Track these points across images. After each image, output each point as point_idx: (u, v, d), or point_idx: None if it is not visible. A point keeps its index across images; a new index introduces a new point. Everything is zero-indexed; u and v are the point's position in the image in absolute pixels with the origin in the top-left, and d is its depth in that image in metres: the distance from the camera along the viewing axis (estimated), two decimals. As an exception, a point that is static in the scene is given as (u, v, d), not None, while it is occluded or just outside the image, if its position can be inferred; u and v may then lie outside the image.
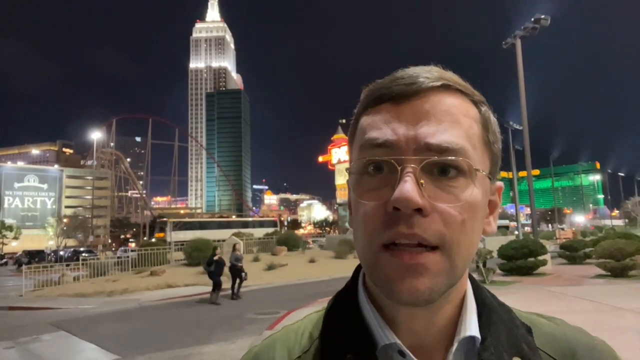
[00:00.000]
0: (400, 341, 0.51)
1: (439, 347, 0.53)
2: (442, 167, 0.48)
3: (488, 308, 0.56)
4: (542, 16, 21.26)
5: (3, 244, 61.63)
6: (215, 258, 13.51)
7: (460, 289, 0.55)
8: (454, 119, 0.50)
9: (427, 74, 0.52)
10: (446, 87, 0.52)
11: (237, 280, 13.98)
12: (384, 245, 0.48)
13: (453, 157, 0.48)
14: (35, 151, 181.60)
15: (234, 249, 14.62)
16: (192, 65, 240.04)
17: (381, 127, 0.51)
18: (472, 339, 0.52)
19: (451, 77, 0.53)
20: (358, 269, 0.61)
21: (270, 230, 41.14)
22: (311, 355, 0.56)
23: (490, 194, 0.55)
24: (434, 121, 0.49)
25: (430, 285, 0.47)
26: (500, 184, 0.57)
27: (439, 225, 0.47)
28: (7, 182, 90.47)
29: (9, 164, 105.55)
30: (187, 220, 53.00)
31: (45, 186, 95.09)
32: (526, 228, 47.17)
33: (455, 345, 0.52)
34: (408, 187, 0.45)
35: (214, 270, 13.40)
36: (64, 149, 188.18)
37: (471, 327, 0.52)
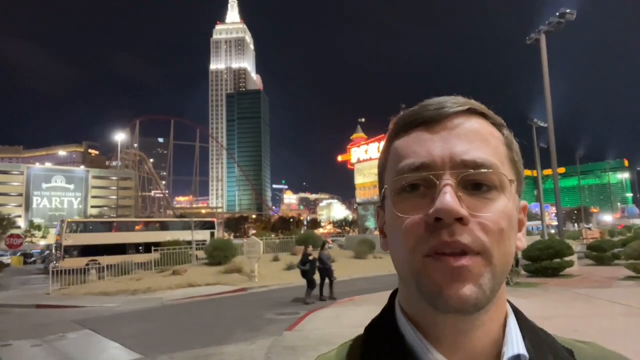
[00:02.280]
0: (445, 354, 0.53)
1: None
2: (476, 183, 0.52)
3: (529, 328, 0.58)
4: (568, 10, 20.68)
5: (32, 242, 63.60)
6: (310, 258, 13.36)
7: (502, 308, 0.57)
8: (483, 139, 0.55)
9: (454, 100, 0.57)
10: (472, 111, 0.57)
11: (327, 281, 13.56)
12: (426, 255, 0.50)
13: (488, 170, 0.52)
14: (61, 152, 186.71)
15: (323, 248, 14.43)
16: (213, 66, 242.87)
17: (416, 149, 0.55)
18: (518, 357, 0.53)
19: (475, 103, 0.58)
20: (393, 295, 0.62)
21: (205, 234, 37.76)
22: None
23: (518, 212, 0.58)
24: (466, 140, 0.54)
25: (476, 290, 0.49)
26: (524, 203, 0.60)
27: (479, 233, 0.50)
28: (36, 182, 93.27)
29: (37, 165, 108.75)
30: (89, 221, 43.72)
31: (71, 186, 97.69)
32: (551, 230, 45.96)
33: None
34: (448, 198, 0.49)
35: (308, 269, 13.22)
36: (89, 150, 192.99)
37: (518, 345, 0.54)
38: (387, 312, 0.60)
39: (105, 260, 24.88)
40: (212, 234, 40.32)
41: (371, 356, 0.56)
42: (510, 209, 0.53)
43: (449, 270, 0.49)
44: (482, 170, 0.52)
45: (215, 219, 48.07)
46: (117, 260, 22.52)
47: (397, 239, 0.54)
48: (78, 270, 19.61)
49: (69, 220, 36.71)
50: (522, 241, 0.59)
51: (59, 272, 18.96)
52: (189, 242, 29.02)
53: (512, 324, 0.57)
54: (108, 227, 38.10)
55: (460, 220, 0.49)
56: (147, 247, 33.30)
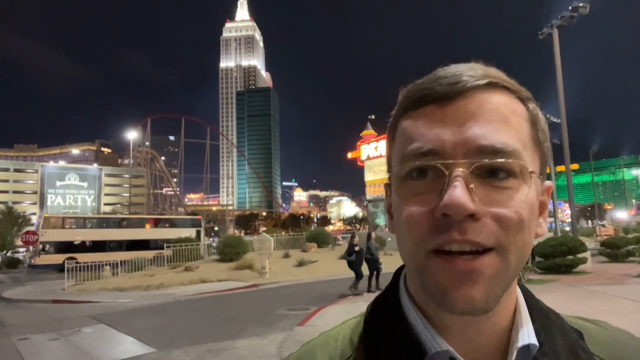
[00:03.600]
0: (450, 342, 0.49)
1: (494, 356, 0.50)
2: (492, 170, 0.46)
3: (541, 314, 0.54)
4: (581, 4, 20.37)
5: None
6: (356, 249, 13.25)
7: (512, 295, 0.53)
8: (504, 119, 0.47)
9: (471, 71, 0.49)
10: (492, 85, 0.49)
11: (375, 272, 13.38)
12: (432, 251, 0.45)
13: (506, 159, 0.46)
14: (75, 151, 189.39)
15: (369, 238, 14.09)
16: (223, 64, 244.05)
17: (424, 132, 0.48)
18: (527, 347, 0.49)
19: (496, 73, 0.50)
20: (397, 273, 0.59)
21: (191, 232, 35.71)
22: None
23: (540, 194, 0.52)
24: (483, 122, 0.47)
25: (486, 292, 0.44)
26: (549, 183, 0.54)
27: (492, 228, 0.44)
28: (50, 180, 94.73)
29: (51, 163, 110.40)
30: (67, 217, 39.96)
31: (85, 184, 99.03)
32: (565, 227, 45.48)
33: (515, 353, 0.49)
34: (458, 193, 0.43)
35: (355, 260, 13.13)
36: (102, 149, 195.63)
37: (529, 334, 0.50)
38: (391, 292, 0.57)
39: (84, 257, 24.21)
40: (198, 232, 38.81)
41: (373, 339, 0.53)
42: (532, 198, 0.47)
43: (458, 273, 0.44)
44: (500, 159, 0.45)
45: (201, 217, 45.65)
46: (97, 259, 21.43)
47: (400, 229, 0.50)
48: (92, 266, 19.92)
49: (46, 215, 35.73)
50: (543, 227, 0.53)
51: (73, 268, 19.27)
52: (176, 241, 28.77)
53: (523, 311, 0.53)
54: (88, 223, 36.35)
55: (472, 216, 0.44)
56: (131, 245, 33.11)
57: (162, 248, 26.94)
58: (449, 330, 0.50)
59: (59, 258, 27.82)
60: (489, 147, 0.45)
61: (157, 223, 40.12)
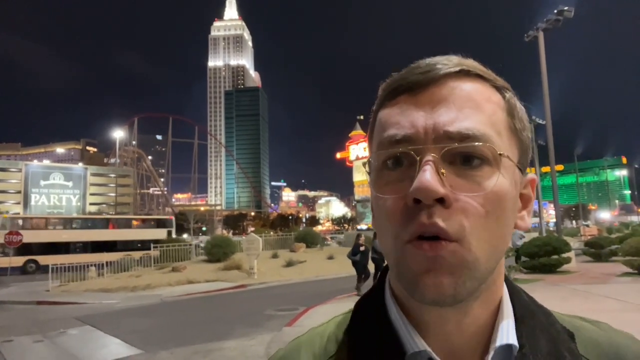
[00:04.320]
0: (430, 347, 0.48)
1: (472, 356, 0.49)
2: (465, 157, 0.45)
3: (525, 313, 0.52)
4: (566, 8, 20.72)
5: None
6: (362, 249, 13.21)
7: (495, 293, 0.51)
8: (476, 105, 0.47)
9: (445, 60, 0.49)
10: (465, 73, 0.49)
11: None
12: (408, 241, 0.45)
13: (474, 143, 0.45)
14: (60, 150, 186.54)
15: (376, 237, 14.34)
16: (211, 63, 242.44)
17: (399, 120, 0.48)
18: (509, 347, 0.48)
19: (471, 63, 0.50)
20: (385, 271, 0.59)
21: (161, 233, 34.63)
22: None
23: (522, 187, 0.51)
24: (454, 108, 0.46)
25: (454, 280, 0.44)
26: (533, 176, 0.53)
27: (458, 217, 0.44)
28: (34, 180, 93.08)
29: (35, 162, 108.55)
30: (28, 217, 38.23)
31: (70, 184, 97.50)
32: (550, 227, 46.17)
33: (492, 353, 0.47)
34: (427, 176, 0.43)
35: (359, 260, 13.12)
36: (87, 148, 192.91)
37: (508, 334, 0.48)
38: (377, 291, 0.57)
39: (45, 260, 23.48)
40: (169, 233, 37.06)
41: (356, 337, 0.53)
42: (502, 187, 0.46)
43: (425, 259, 0.43)
44: (468, 143, 0.45)
45: (172, 217, 43.41)
46: (59, 261, 20.41)
47: (381, 222, 0.49)
48: (78, 267, 19.64)
49: (5, 216, 33.80)
50: (526, 221, 0.52)
51: (58, 269, 18.97)
52: (144, 242, 27.81)
53: (505, 309, 0.51)
54: (49, 225, 33.98)
55: (442, 202, 0.43)
56: (97, 246, 31.23)
57: (133, 249, 26.34)
58: (429, 328, 0.49)
59: (19, 261, 26.69)
60: (456, 133, 0.45)
61: (123, 224, 37.74)
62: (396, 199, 0.46)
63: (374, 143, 0.52)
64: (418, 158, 0.45)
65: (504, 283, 0.54)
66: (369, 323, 0.53)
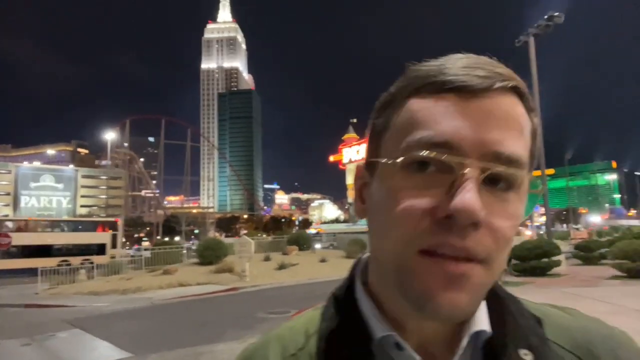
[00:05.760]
0: (404, 337, 0.47)
1: (444, 342, 0.50)
2: (494, 178, 0.43)
3: (496, 300, 0.52)
4: (556, 13, 20.96)
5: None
6: None
7: None
8: (521, 129, 0.44)
9: (497, 69, 0.44)
10: (515, 90, 0.45)
11: None
12: (422, 250, 0.42)
13: (518, 171, 0.43)
14: (50, 151, 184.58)
15: None
16: (204, 65, 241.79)
17: (440, 120, 0.43)
18: (480, 332, 0.48)
19: (520, 81, 0.46)
20: (355, 264, 0.59)
21: (104, 237, 32.56)
22: (307, 353, 0.53)
23: None
24: (504, 127, 0.43)
25: (472, 299, 0.43)
26: None
27: (488, 241, 0.42)
28: (24, 181, 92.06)
29: (25, 164, 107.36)
30: None
31: (60, 186, 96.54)
32: (540, 230, 46.55)
33: (466, 339, 0.48)
34: (472, 197, 0.40)
35: None
36: (78, 149, 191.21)
37: (481, 320, 0.49)
38: (347, 283, 0.57)
39: None
40: (113, 237, 34.78)
41: (324, 327, 0.54)
42: (521, 213, 0.45)
43: (447, 275, 0.41)
44: (514, 169, 0.42)
45: (118, 219, 40.19)
46: None
47: (385, 222, 0.45)
48: (67, 270, 19.46)
49: None
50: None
51: (47, 271, 18.77)
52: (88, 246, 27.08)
53: None
54: None
55: (475, 224, 0.41)
56: (27, 251, 28.20)
57: (72, 255, 25.25)
58: (401, 318, 0.49)
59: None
60: (506, 155, 0.42)
61: (54, 226, 33.77)
62: (419, 206, 0.42)
63: (395, 135, 0.46)
64: (459, 172, 0.41)
65: None
66: (339, 314, 0.54)
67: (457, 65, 0.44)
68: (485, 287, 0.44)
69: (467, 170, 0.41)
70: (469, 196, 0.40)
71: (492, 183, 0.43)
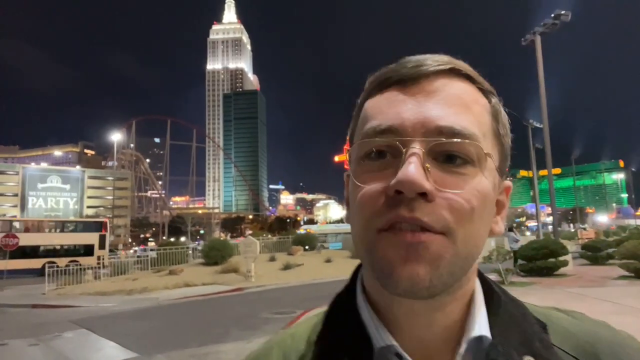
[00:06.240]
0: (399, 343, 0.47)
1: (444, 349, 0.49)
2: (449, 155, 0.45)
3: (498, 305, 0.51)
4: (563, 12, 20.83)
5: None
6: None
7: (468, 288, 0.51)
8: (465, 104, 0.47)
9: (436, 57, 0.49)
10: (456, 72, 0.49)
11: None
12: (381, 229, 0.44)
13: (465, 141, 0.45)
14: (57, 153, 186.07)
15: (511, 230, 15.39)
16: (209, 66, 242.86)
17: (385, 110, 0.48)
18: (480, 339, 0.47)
19: (461, 63, 0.50)
20: (357, 270, 0.59)
21: (91, 238, 31.69)
22: None
23: (499, 192, 0.51)
24: (444, 104, 0.46)
25: (431, 271, 0.43)
26: (509, 183, 0.54)
27: (444, 211, 0.43)
28: (31, 182, 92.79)
29: (33, 165, 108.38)
30: None
31: (67, 187, 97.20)
32: (547, 229, 46.25)
33: (464, 346, 0.47)
34: (412, 169, 0.42)
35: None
36: (85, 150, 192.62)
37: (480, 326, 0.48)
38: (349, 289, 0.57)
39: None
40: (101, 238, 33.42)
41: (326, 336, 0.53)
42: (485, 187, 0.46)
43: (404, 246, 0.42)
44: (457, 140, 0.45)
45: (106, 220, 38.73)
46: None
47: (353, 213, 0.48)
48: (74, 270, 19.57)
49: None
50: (500, 225, 0.53)
51: (54, 272, 18.90)
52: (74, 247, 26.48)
53: (478, 302, 0.51)
54: None
55: (425, 195, 0.42)
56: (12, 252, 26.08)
57: (60, 256, 24.47)
58: (398, 322, 0.49)
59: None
60: (448, 128, 0.45)
61: (35, 227, 32.43)
62: (374, 188, 0.45)
63: (357, 133, 0.51)
64: (404, 150, 0.44)
65: (477, 276, 0.54)
66: (340, 322, 0.53)
67: (398, 64, 0.50)
68: (450, 262, 0.44)
69: (410, 148, 0.44)
70: (410, 168, 0.42)
71: (448, 160, 0.45)
